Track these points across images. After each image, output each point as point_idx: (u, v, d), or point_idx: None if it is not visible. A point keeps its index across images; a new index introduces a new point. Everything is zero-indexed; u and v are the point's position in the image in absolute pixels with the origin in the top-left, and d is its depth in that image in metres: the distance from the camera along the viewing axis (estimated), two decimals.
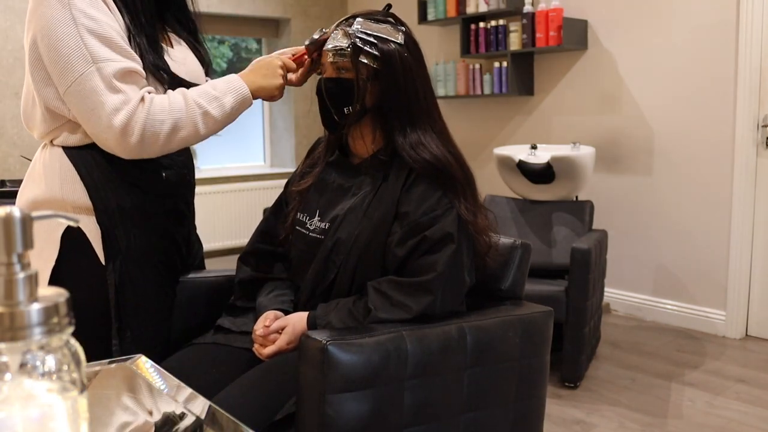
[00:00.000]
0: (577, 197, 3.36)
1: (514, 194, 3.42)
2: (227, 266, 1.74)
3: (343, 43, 1.39)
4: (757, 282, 3.36)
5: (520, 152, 3.36)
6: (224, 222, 5.11)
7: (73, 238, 1.36)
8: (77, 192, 1.37)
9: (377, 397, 1.21)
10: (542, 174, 3.19)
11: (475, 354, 1.33)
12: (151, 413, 0.85)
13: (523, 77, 4.13)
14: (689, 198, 3.52)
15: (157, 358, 1.32)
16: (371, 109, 1.42)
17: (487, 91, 4.23)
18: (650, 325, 3.63)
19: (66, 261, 1.36)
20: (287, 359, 1.35)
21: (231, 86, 1.39)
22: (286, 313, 1.44)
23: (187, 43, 1.53)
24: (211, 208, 5.01)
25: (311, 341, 1.19)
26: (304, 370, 1.21)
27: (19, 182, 1.48)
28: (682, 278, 3.59)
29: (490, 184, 4.13)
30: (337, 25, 1.44)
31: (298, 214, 1.51)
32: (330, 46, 1.41)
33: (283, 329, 1.39)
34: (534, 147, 3.42)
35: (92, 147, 1.36)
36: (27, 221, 0.48)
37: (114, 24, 1.30)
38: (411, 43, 1.43)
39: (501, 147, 3.70)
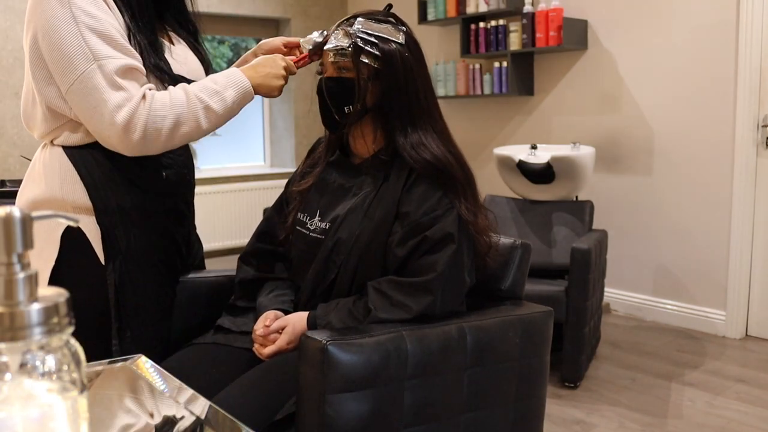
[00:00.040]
0: (577, 197, 3.36)
1: (514, 194, 3.42)
2: (227, 266, 1.73)
3: (344, 42, 1.39)
4: (757, 282, 3.36)
5: (520, 152, 3.36)
6: (224, 222, 5.11)
7: (72, 238, 1.36)
8: (77, 192, 1.36)
9: (377, 397, 1.21)
10: (542, 174, 3.19)
11: (475, 354, 1.32)
12: (151, 415, 0.85)
13: (523, 77, 4.13)
14: (689, 198, 3.52)
15: (157, 358, 1.32)
16: (372, 108, 1.42)
17: (487, 91, 4.23)
18: (650, 325, 3.63)
19: (66, 261, 1.36)
20: (287, 359, 1.35)
21: (232, 80, 1.39)
22: (286, 313, 1.44)
23: (186, 43, 1.53)
24: (211, 208, 5.01)
25: (311, 341, 1.19)
26: (304, 370, 1.21)
27: (19, 182, 1.48)
28: (682, 278, 3.59)
29: (490, 184, 4.13)
30: (338, 25, 1.44)
31: (299, 214, 1.51)
32: (331, 46, 1.41)
33: (283, 329, 1.39)
34: (534, 147, 3.42)
35: (92, 146, 1.36)
36: (27, 221, 0.48)
37: (114, 22, 1.30)
38: (412, 43, 1.43)
39: (501, 147, 3.71)
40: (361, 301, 1.36)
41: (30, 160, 1.47)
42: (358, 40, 1.38)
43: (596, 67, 3.86)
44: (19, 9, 4.15)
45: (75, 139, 1.36)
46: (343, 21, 1.44)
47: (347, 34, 1.40)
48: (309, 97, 5.42)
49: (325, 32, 1.47)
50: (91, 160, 1.36)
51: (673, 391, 2.74)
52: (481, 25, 4.18)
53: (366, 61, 1.38)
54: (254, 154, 5.71)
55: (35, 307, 0.46)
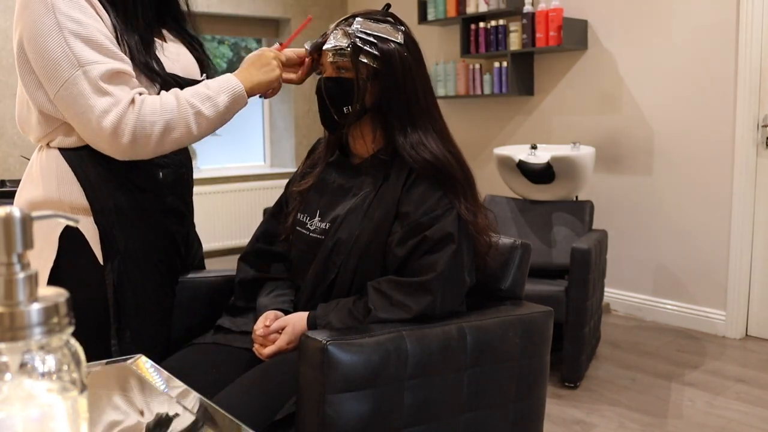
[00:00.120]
0: (577, 197, 3.36)
1: (514, 194, 3.42)
2: (227, 266, 1.73)
3: (343, 42, 1.39)
4: (757, 282, 3.36)
5: (520, 152, 3.36)
6: (224, 222, 5.11)
7: (71, 238, 1.36)
8: (74, 193, 1.36)
9: (377, 397, 1.21)
10: (542, 174, 3.19)
11: (475, 354, 1.32)
12: (141, 413, 0.85)
13: (523, 77, 4.13)
14: (689, 198, 3.52)
15: (157, 358, 1.32)
16: (371, 108, 1.42)
17: (487, 91, 4.23)
18: (650, 325, 3.63)
19: (64, 261, 1.36)
20: (287, 359, 1.35)
21: (225, 85, 1.38)
22: (286, 313, 1.44)
23: (181, 41, 1.52)
24: (211, 208, 5.01)
25: (311, 341, 1.19)
26: (304, 370, 1.21)
27: (19, 182, 1.48)
28: (682, 278, 3.59)
29: (490, 184, 4.13)
30: (337, 25, 1.44)
31: (299, 214, 1.51)
32: (330, 46, 1.41)
33: (283, 329, 1.39)
34: (534, 147, 3.42)
35: (89, 148, 1.36)
36: (27, 221, 0.47)
37: (99, 26, 1.29)
38: (411, 42, 1.43)
39: (501, 147, 3.70)
40: (361, 301, 1.36)
41: (29, 160, 1.47)
42: (357, 40, 1.38)
43: (596, 67, 3.86)
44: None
45: (70, 141, 1.36)
46: (342, 21, 1.44)
47: (346, 34, 1.40)
48: (309, 97, 5.43)
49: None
50: (88, 161, 1.36)
51: (673, 391, 2.74)
52: (481, 25, 4.18)
53: (365, 60, 1.38)
54: (254, 154, 5.71)
55: (35, 307, 0.46)
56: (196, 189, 1.63)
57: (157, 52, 1.39)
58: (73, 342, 0.49)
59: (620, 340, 3.38)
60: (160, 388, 0.89)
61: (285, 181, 1.66)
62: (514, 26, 3.99)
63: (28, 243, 0.48)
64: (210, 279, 1.63)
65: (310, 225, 1.47)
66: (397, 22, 1.44)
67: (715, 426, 2.43)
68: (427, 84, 1.44)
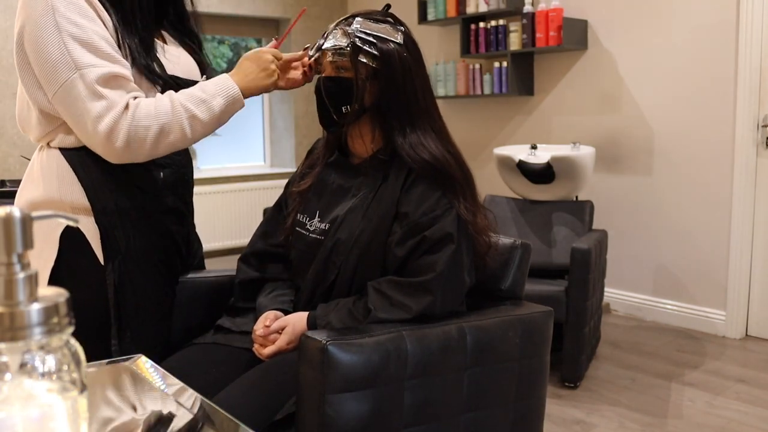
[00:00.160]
0: (577, 197, 3.36)
1: (514, 194, 3.42)
2: (227, 266, 1.74)
3: (343, 42, 1.39)
4: (757, 282, 3.36)
5: (520, 152, 3.36)
6: (224, 222, 5.11)
7: (71, 238, 1.36)
8: (75, 193, 1.36)
9: (377, 397, 1.21)
10: (542, 174, 3.19)
11: (475, 354, 1.32)
12: (134, 408, 0.85)
13: (523, 77, 4.13)
14: (689, 198, 3.52)
15: (157, 358, 1.32)
16: (370, 108, 1.42)
17: (487, 91, 4.23)
18: (650, 325, 3.63)
19: (65, 261, 1.36)
20: (287, 359, 1.35)
21: (221, 88, 1.38)
22: (286, 313, 1.44)
23: (180, 43, 1.52)
24: (211, 208, 5.01)
25: (311, 341, 1.19)
26: (304, 370, 1.21)
27: (19, 182, 1.49)
28: (682, 278, 3.59)
29: (490, 184, 4.13)
30: (337, 25, 1.44)
31: (298, 215, 1.51)
32: (329, 45, 1.41)
33: (283, 329, 1.39)
34: (534, 147, 3.42)
35: (89, 148, 1.36)
36: (27, 221, 0.48)
37: (99, 29, 1.29)
38: (410, 42, 1.43)
39: (501, 147, 3.70)
40: (360, 302, 1.36)
41: (30, 160, 1.47)
42: (357, 39, 1.38)
43: (596, 67, 3.86)
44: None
45: (71, 140, 1.36)
46: (342, 21, 1.44)
47: (345, 34, 1.40)
48: (309, 97, 5.42)
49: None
50: (89, 161, 1.36)
51: (673, 391, 2.74)
52: (481, 25, 4.18)
53: (364, 60, 1.38)
54: (254, 154, 5.71)
55: (35, 307, 0.46)
56: (196, 189, 1.63)
57: (157, 55, 1.39)
58: (73, 342, 0.49)
59: (620, 340, 3.38)
60: (160, 388, 0.89)
61: (285, 181, 1.66)
62: (514, 26, 3.99)
63: (28, 243, 0.48)
64: (210, 279, 1.63)
65: (310, 225, 1.47)
66: (396, 22, 1.44)
67: (715, 426, 2.43)
68: (426, 84, 1.44)
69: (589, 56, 3.89)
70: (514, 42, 3.99)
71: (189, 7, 1.53)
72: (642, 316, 3.73)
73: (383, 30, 1.40)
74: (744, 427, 2.42)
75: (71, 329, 0.48)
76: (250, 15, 5.17)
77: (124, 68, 1.31)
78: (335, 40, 1.41)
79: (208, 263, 1.75)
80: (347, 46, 1.39)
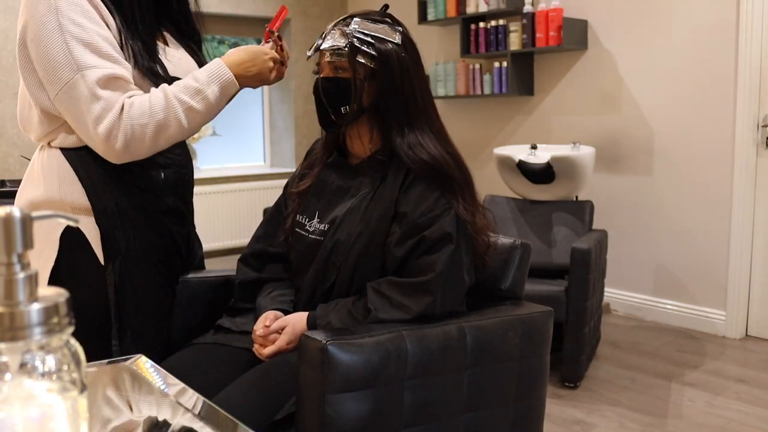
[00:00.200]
0: (577, 197, 3.36)
1: (514, 194, 3.42)
2: (227, 266, 1.74)
3: (341, 42, 1.39)
4: (757, 282, 3.36)
5: (520, 152, 3.36)
6: (224, 222, 5.11)
7: (72, 238, 1.36)
8: (76, 193, 1.37)
9: (377, 397, 1.21)
10: (542, 174, 3.19)
11: (475, 354, 1.32)
12: (131, 409, 0.85)
13: (523, 77, 4.13)
14: (689, 198, 3.52)
15: (157, 358, 1.32)
16: (368, 108, 1.42)
17: (487, 91, 4.23)
18: (650, 325, 3.63)
19: (65, 261, 1.36)
20: (287, 359, 1.35)
21: (214, 75, 1.37)
22: (286, 313, 1.44)
23: (181, 45, 1.52)
24: (211, 208, 5.01)
25: (311, 341, 1.19)
26: (304, 370, 1.21)
27: (19, 182, 1.49)
28: (682, 278, 3.59)
29: (490, 184, 4.13)
30: (335, 25, 1.44)
31: (298, 216, 1.51)
32: (327, 46, 1.41)
33: (282, 329, 1.39)
34: (534, 147, 3.42)
35: (90, 148, 1.36)
36: (27, 221, 0.48)
37: (101, 30, 1.29)
38: (408, 43, 1.43)
39: (501, 147, 3.70)
40: (360, 302, 1.36)
41: (30, 160, 1.47)
42: (355, 40, 1.38)
43: (596, 67, 3.86)
44: (19, 9, 4.15)
45: (71, 140, 1.36)
46: (340, 21, 1.44)
47: (343, 34, 1.40)
48: (308, 98, 5.41)
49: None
50: (89, 160, 1.36)
51: (673, 391, 2.74)
52: (481, 25, 4.18)
53: (362, 61, 1.38)
54: (254, 154, 5.71)
55: (35, 307, 0.46)
56: (196, 189, 1.63)
57: (160, 56, 1.40)
58: (73, 342, 0.49)
59: (620, 340, 3.38)
60: (160, 388, 0.89)
61: (285, 181, 1.66)
62: (514, 26, 3.99)
63: (28, 243, 0.48)
64: (210, 279, 1.63)
65: (309, 226, 1.47)
66: (394, 22, 1.44)
67: (715, 426, 2.43)
68: (424, 84, 1.44)
69: (589, 56, 3.89)
70: (514, 42, 3.99)
71: (193, 8, 1.53)
72: (642, 316, 3.73)
73: (381, 30, 1.40)
74: (744, 427, 2.42)
75: (71, 329, 0.48)
76: (250, 15, 5.17)
77: (125, 70, 1.31)
78: (333, 40, 1.41)
79: (208, 263, 1.75)
80: (345, 47, 1.39)
